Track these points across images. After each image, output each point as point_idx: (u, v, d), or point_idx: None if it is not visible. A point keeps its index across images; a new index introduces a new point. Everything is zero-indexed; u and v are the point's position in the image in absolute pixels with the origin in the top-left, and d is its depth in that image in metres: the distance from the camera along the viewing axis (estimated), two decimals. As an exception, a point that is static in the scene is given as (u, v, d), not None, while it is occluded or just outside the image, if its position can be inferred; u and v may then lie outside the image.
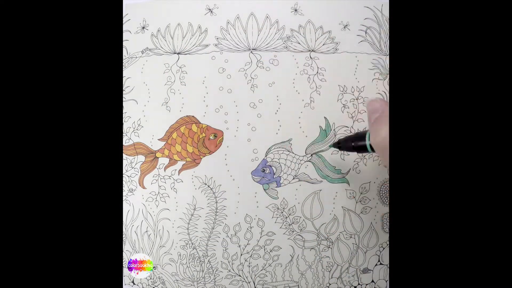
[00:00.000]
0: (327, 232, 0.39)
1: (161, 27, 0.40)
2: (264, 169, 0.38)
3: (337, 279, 0.39)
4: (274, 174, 0.38)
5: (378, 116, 0.32)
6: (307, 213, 0.39)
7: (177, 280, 0.40)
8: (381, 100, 0.33)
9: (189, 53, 0.39)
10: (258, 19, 0.39)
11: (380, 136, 0.29)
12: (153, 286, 0.41)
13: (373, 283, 0.40)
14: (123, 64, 0.41)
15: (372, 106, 0.32)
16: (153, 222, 0.40)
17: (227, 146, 0.39)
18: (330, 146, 0.38)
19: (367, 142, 0.31)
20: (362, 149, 0.32)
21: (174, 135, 0.39)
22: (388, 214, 0.39)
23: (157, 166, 0.40)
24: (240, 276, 0.39)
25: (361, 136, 0.33)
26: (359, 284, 0.40)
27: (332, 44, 0.39)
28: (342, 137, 0.36)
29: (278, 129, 0.38)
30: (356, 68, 0.39)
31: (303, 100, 0.39)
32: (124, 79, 0.41)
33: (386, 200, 0.39)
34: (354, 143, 0.33)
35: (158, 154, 0.40)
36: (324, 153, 0.39)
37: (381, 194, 0.39)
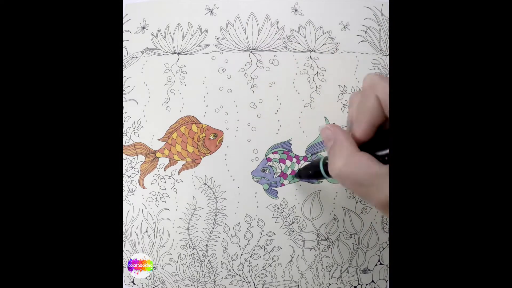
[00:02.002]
0: (327, 232, 0.39)
1: (161, 27, 0.40)
2: (264, 169, 0.38)
3: (337, 279, 0.39)
4: (274, 174, 0.38)
5: (331, 144, 0.29)
6: (307, 213, 0.39)
7: (177, 280, 0.40)
8: (332, 126, 0.30)
9: (189, 53, 0.40)
10: (258, 19, 0.39)
11: (336, 167, 0.28)
12: (153, 286, 0.41)
13: (373, 283, 0.40)
14: (123, 64, 0.41)
15: (325, 134, 0.30)
16: (153, 222, 0.40)
17: (227, 146, 0.39)
18: (292, 178, 0.38)
19: (321, 169, 0.30)
20: (319, 175, 0.31)
21: (174, 135, 0.39)
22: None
23: (157, 166, 0.40)
24: (240, 276, 0.39)
25: (316, 163, 0.32)
26: (359, 284, 0.40)
27: (332, 44, 0.39)
28: (301, 167, 0.36)
29: (278, 129, 0.38)
30: (356, 68, 0.39)
31: (303, 100, 0.39)
32: (124, 79, 0.41)
33: (386, 200, 0.39)
34: (311, 170, 0.32)
35: (158, 154, 0.40)
36: (324, 153, 0.39)
37: (381, 194, 0.39)
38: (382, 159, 0.27)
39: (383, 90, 0.26)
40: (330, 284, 0.39)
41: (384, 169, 0.26)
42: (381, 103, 0.27)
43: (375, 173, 0.26)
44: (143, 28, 0.41)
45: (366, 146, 0.28)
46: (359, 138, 0.29)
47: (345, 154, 0.28)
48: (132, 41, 0.41)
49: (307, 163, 0.35)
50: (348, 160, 0.27)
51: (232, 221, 0.39)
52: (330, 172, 0.29)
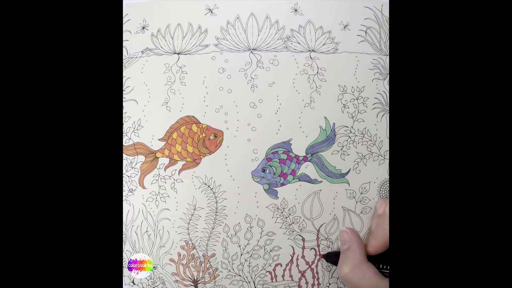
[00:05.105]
0: (327, 232, 0.39)
1: (161, 27, 0.40)
2: (264, 169, 0.38)
3: (337, 279, 0.39)
4: (274, 174, 0.38)
5: (345, 249, 0.34)
6: (307, 213, 0.39)
7: (177, 280, 0.40)
8: (350, 230, 0.36)
9: (189, 53, 0.40)
10: (258, 19, 0.39)
11: (343, 272, 0.33)
12: (153, 286, 0.41)
13: (373, 283, 0.40)
14: (123, 64, 0.41)
15: (342, 237, 0.36)
16: (153, 222, 0.40)
17: (227, 146, 0.39)
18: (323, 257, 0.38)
19: None
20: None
21: (174, 135, 0.39)
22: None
23: (157, 166, 0.40)
24: (240, 276, 0.39)
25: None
26: (359, 284, 0.40)
27: (332, 44, 0.39)
28: (331, 251, 0.38)
29: (278, 129, 0.38)
30: (356, 68, 0.39)
31: (303, 100, 0.39)
32: (124, 79, 0.41)
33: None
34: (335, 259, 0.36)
35: (158, 154, 0.40)
36: (324, 153, 0.39)
37: (381, 194, 0.39)
38: (384, 273, 0.32)
39: None
40: (330, 284, 0.39)
41: (384, 283, 0.30)
42: None
43: (376, 286, 0.30)
44: (143, 28, 0.41)
45: (375, 258, 0.33)
46: (371, 252, 0.34)
47: (354, 261, 0.32)
48: (132, 41, 0.41)
49: (335, 250, 0.38)
50: (355, 268, 0.32)
51: (232, 221, 0.39)
52: (338, 274, 0.34)
